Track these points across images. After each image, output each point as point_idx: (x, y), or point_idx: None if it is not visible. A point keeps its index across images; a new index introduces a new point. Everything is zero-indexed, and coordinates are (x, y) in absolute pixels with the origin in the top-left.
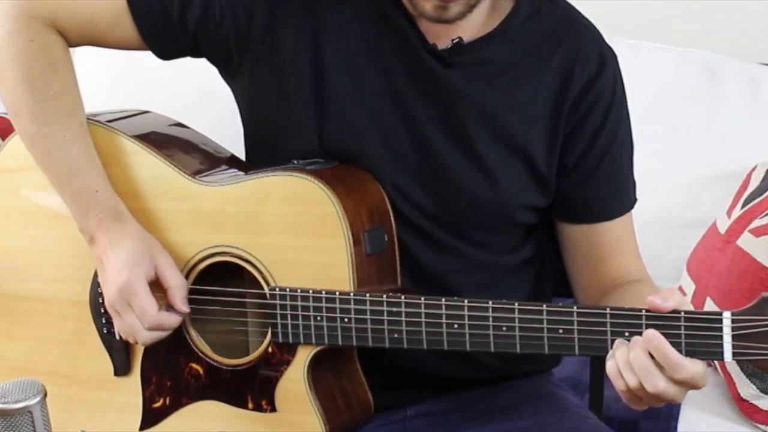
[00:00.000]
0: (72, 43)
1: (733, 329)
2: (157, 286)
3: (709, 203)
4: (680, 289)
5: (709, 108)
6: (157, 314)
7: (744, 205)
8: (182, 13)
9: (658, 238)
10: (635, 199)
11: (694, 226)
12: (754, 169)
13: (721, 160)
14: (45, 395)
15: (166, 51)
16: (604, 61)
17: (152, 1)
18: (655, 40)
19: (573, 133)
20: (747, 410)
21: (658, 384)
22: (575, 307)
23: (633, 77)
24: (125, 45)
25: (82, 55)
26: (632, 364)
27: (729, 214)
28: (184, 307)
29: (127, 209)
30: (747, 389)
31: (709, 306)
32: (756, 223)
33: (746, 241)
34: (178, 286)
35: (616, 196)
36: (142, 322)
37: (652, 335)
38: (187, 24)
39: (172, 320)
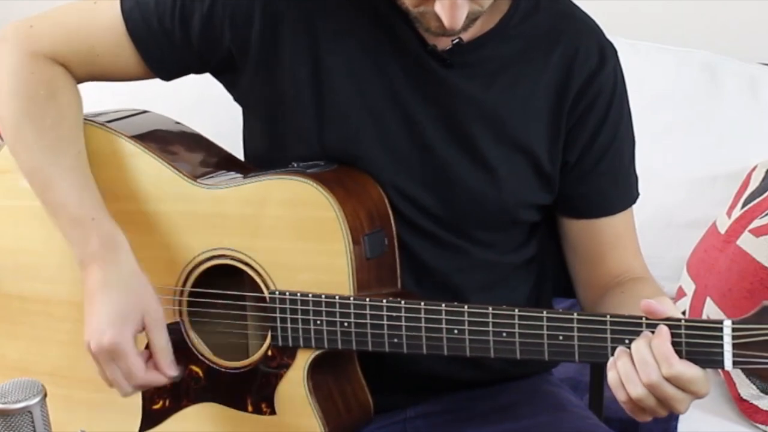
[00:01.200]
0: (78, 77)
1: (734, 337)
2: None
3: (709, 203)
4: (680, 289)
5: (709, 108)
6: (144, 375)
7: (744, 205)
8: (184, 32)
9: (658, 238)
10: (638, 194)
11: (694, 226)
12: (754, 169)
13: (721, 160)
14: (45, 395)
15: (171, 73)
16: (604, 55)
17: (152, 26)
18: (655, 40)
19: (574, 129)
20: (747, 410)
21: (651, 375)
22: (575, 314)
23: (633, 77)
24: (129, 75)
25: None
26: (633, 353)
27: (729, 214)
28: (171, 372)
29: (125, 238)
30: (747, 389)
31: (709, 306)
32: (756, 223)
33: (746, 241)
34: (163, 349)
35: (618, 191)
36: (128, 382)
37: (665, 329)
38: (192, 43)
39: (159, 380)
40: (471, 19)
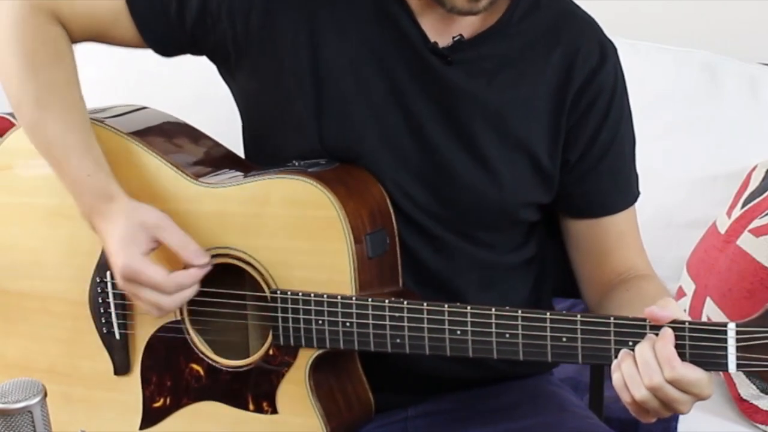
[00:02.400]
0: (75, 37)
1: (738, 340)
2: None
3: (709, 203)
4: (680, 289)
5: (709, 108)
6: (169, 279)
7: (744, 205)
8: (180, 11)
9: (658, 238)
10: (638, 193)
11: (694, 226)
12: (754, 169)
13: (721, 160)
14: (45, 395)
15: (166, 49)
16: (605, 53)
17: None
18: (655, 40)
19: (575, 128)
20: (747, 410)
21: (653, 377)
22: (579, 316)
23: (633, 77)
24: (126, 43)
25: (79, 56)
26: (636, 356)
27: (729, 214)
28: (201, 260)
29: (120, 188)
30: (747, 389)
31: (709, 306)
32: (756, 223)
33: (746, 241)
34: (181, 243)
35: (619, 190)
36: (160, 292)
37: (669, 332)
38: (186, 22)
39: (191, 276)
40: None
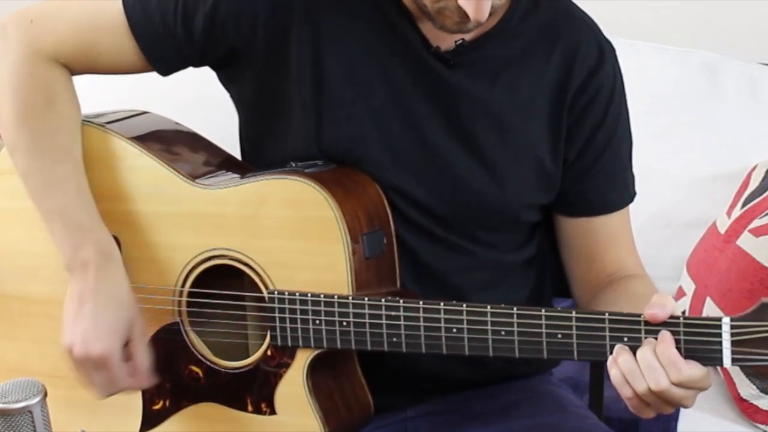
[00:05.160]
0: (76, 72)
1: (733, 335)
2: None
3: (709, 203)
4: (680, 289)
5: (709, 108)
6: (124, 385)
7: (744, 205)
8: (187, 30)
9: (658, 238)
10: (634, 193)
11: (694, 226)
12: (754, 169)
13: (721, 160)
14: (45, 395)
15: (171, 68)
16: (603, 54)
17: (154, 22)
18: (655, 40)
19: (573, 127)
20: (747, 410)
21: (660, 381)
22: (574, 312)
23: (633, 77)
24: (128, 70)
25: None
26: (639, 360)
27: (729, 214)
28: (150, 383)
29: (119, 252)
30: (747, 389)
31: (709, 306)
32: (756, 223)
33: (746, 241)
34: (144, 363)
35: (615, 189)
36: (109, 389)
37: (668, 335)
38: (194, 39)
39: (138, 387)
40: (490, 14)
